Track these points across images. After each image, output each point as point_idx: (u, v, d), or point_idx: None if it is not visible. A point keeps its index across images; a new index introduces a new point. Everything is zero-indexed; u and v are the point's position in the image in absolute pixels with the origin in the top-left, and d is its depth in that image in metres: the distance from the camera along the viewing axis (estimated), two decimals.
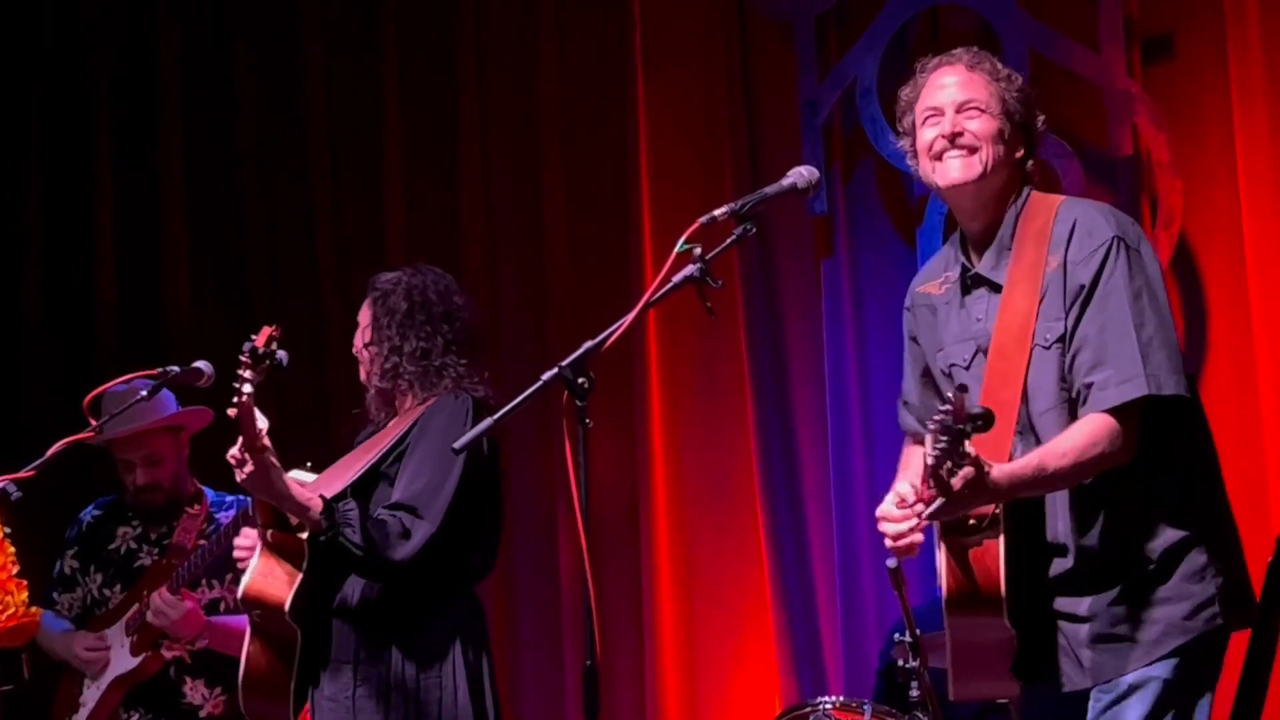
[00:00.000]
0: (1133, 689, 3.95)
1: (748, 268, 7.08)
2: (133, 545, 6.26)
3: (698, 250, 4.01)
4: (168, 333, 8.10)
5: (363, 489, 5.10)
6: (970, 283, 4.17)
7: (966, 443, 3.64)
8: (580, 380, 3.97)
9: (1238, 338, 6.28)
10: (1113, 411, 3.89)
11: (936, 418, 3.64)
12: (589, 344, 4.02)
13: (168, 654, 6.08)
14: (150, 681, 6.09)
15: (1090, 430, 3.89)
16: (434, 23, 7.91)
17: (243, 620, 5.23)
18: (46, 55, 8.41)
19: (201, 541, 6.06)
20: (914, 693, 5.61)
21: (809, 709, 5.97)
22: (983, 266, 4.14)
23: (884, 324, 6.92)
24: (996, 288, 4.11)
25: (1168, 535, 3.97)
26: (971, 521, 3.93)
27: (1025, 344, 4.01)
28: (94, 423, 5.49)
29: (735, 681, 7.05)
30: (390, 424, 5.27)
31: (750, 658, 7.02)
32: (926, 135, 4.15)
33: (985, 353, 4.11)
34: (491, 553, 5.27)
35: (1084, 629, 4.00)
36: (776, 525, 6.99)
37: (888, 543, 4.06)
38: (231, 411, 4.76)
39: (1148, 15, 6.53)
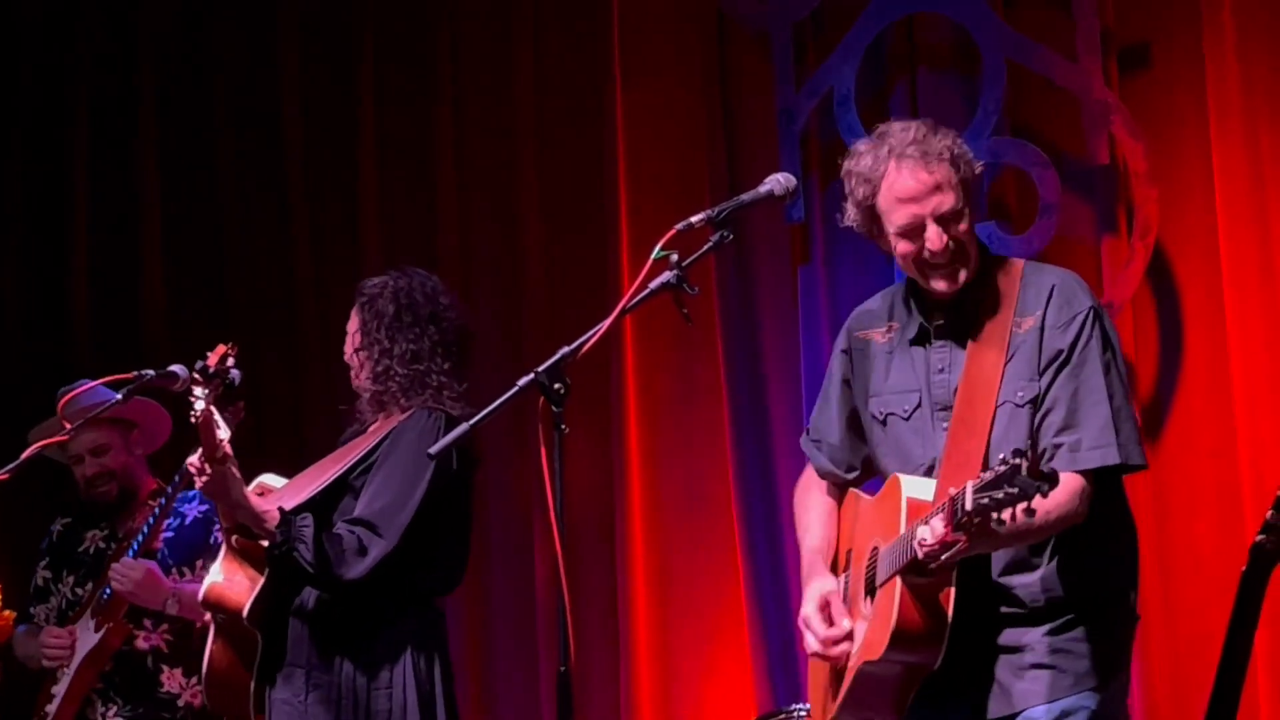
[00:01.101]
0: (1065, 714, 4.05)
1: (724, 274, 7.09)
2: (101, 545, 6.27)
3: (674, 256, 4.02)
4: (143, 339, 8.08)
5: (329, 499, 5.12)
6: (933, 335, 4.21)
7: (1034, 499, 3.66)
8: (556, 386, 3.98)
9: (1213, 347, 6.29)
10: (1086, 473, 4.01)
11: (1002, 469, 3.66)
12: (565, 350, 4.03)
13: (144, 644, 6.09)
14: (128, 672, 6.09)
15: (1070, 494, 3.98)
16: (410, 31, 7.91)
17: None
18: (24, 62, 8.39)
19: (151, 512, 6.07)
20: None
21: (783, 716, 6.00)
22: (947, 323, 4.19)
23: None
24: (962, 344, 4.16)
25: (1106, 581, 4.13)
26: (932, 565, 3.96)
27: (991, 399, 4.08)
28: (68, 426, 5.50)
29: (710, 688, 7.05)
30: (367, 432, 5.28)
31: (725, 664, 7.02)
32: (905, 245, 4.17)
33: (935, 406, 4.18)
34: (458, 569, 5.30)
35: (1018, 658, 4.10)
36: (752, 532, 6.99)
37: (809, 650, 4.20)
38: (193, 419, 4.80)
39: (1125, 25, 6.54)
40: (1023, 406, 4.06)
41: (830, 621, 4.20)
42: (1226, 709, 3.91)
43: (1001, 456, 3.67)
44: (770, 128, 7.04)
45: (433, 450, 4.16)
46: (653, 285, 4.05)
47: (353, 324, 5.37)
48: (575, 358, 4.03)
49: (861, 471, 4.44)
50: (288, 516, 4.95)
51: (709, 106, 7.23)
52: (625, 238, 7.27)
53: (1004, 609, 4.12)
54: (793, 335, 7.01)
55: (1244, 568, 3.89)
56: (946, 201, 4.13)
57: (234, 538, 5.07)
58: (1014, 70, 6.56)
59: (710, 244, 4.12)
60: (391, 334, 5.28)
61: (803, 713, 5.93)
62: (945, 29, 6.77)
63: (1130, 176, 6.40)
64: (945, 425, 4.14)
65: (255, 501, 4.95)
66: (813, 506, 4.46)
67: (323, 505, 5.09)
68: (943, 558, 3.87)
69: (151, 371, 5.34)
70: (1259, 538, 3.84)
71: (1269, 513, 3.84)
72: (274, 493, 5.09)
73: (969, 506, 3.71)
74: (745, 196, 4.19)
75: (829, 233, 6.97)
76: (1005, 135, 6.59)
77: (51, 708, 6.12)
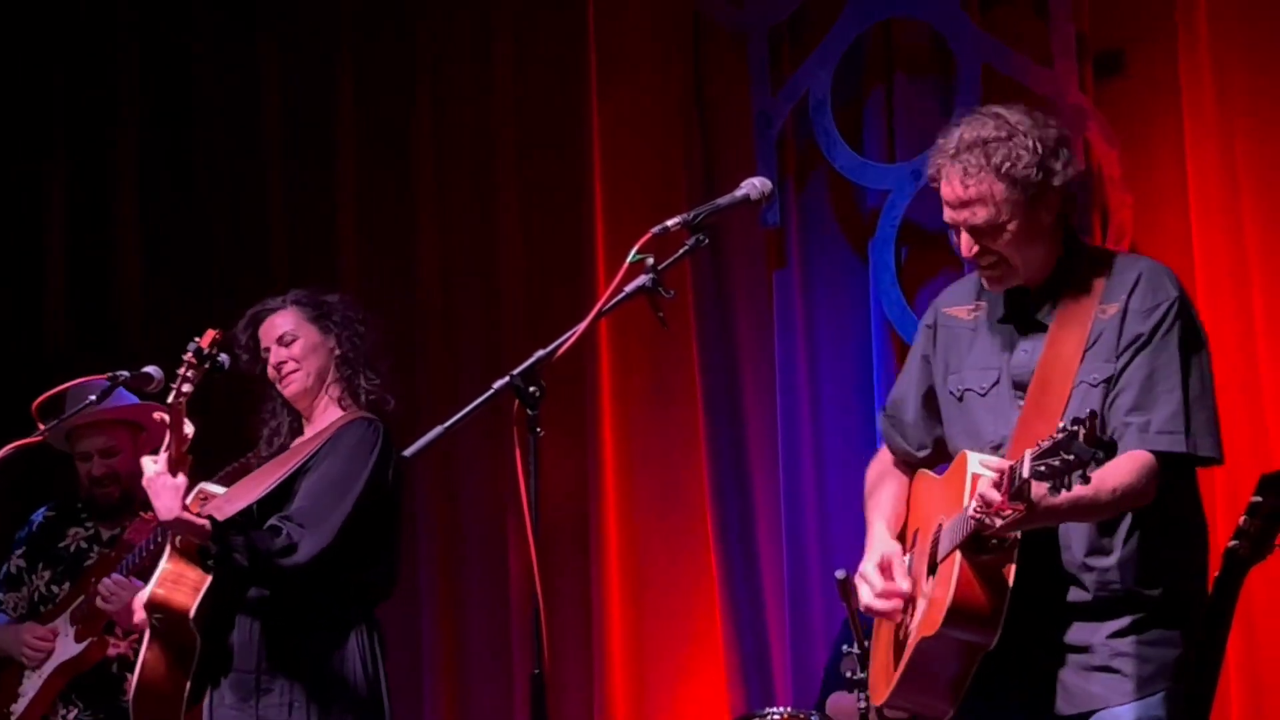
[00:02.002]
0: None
1: (700, 278, 7.09)
2: (83, 545, 6.26)
3: (650, 260, 4.02)
4: (119, 337, 8.07)
5: (271, 507, 5.14)
6: (1017, 317, 4.18)
7: (1089, 468, 3.63)
8: (532, 389, 3.98)
9: None
10: (1155, 453, 3.96)
11: (1059, 435, 3.63)
12: (541, 353, 4.03)
13: (112, 651, 6.08)
14: (92, 677, 6.08)
15: (1136, 469, 3.94)
16: (390, 34, 7.91)
17: None
18: None
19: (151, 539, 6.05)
20: (861, 704, 5.63)
21: (758, 719, 6.00)
22: (1032, 306, 4.16)
23: (835, 335, 6.94)
24: (1044, 327, 4.13)
25: (1175, 581, 4.05)
26: (994, 541, 3.95)
27: (1069, 381, 4.04)
28: (42, 426, 5.49)
29: (684, 692, 7.05)
30: (297, 443, 5.30)
31: (699, 668, 7.03)
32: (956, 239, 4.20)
33: (1013, 384, 4.15)
34: (391, 577, 5.31)
35: (1082, 658, 4.05)
36: (726, 536, 6.99)
37: (862, 605, 4.16)
38: (159, 415, 4.80)
39: (1100, 31, 6.55)
40: (1096, 386, 4.02)
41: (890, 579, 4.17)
42: (1199, 713, 3.92)
43: (1061, 425, 3.65)
44: (746, 131, 7.04)
45: (408, 452, 4.16)
46: (628, 289, 4.05)
47: (283, 326, 5.36)
48: (551, 361, 4.03)
49: (933, 451, 4.37)
50: (221, 527, 4.97)
51: (685, 110, 7.24)
52: (601, 241, 7.28)
53: (1071, 598, 4.06)
54: (768, 339, 7.01)
55: (1217, 573, 3.91)
56: (977, 216, 4.08)
57: (178, 539, 5.04)
58: (989, 75, 6.58)
59: (686, 248, 4.12)
60: (327, 337, 5.32)
61: (776, 717, 5.93)
62: (921, 34, 6.78)
63: (1105, 182, 6.42)
64: (1020, 405, 4.11)
65: (189, 510, 4.96)
66: (883, 484, 4.40)
67: (265, 513, 5.12)
68: (998, 526, 3.84)
69: (126, 372, 5.34)
70: (1232, 543, 3.85)
71: (1242, 518, 3.85)
72: (213, 500, 5.10)
73: (1025, 473, 3.68)
74: (721, 200, 4.19)
75: (804, 237, 6.98)
76: None
77: (18, 708, 6.10)
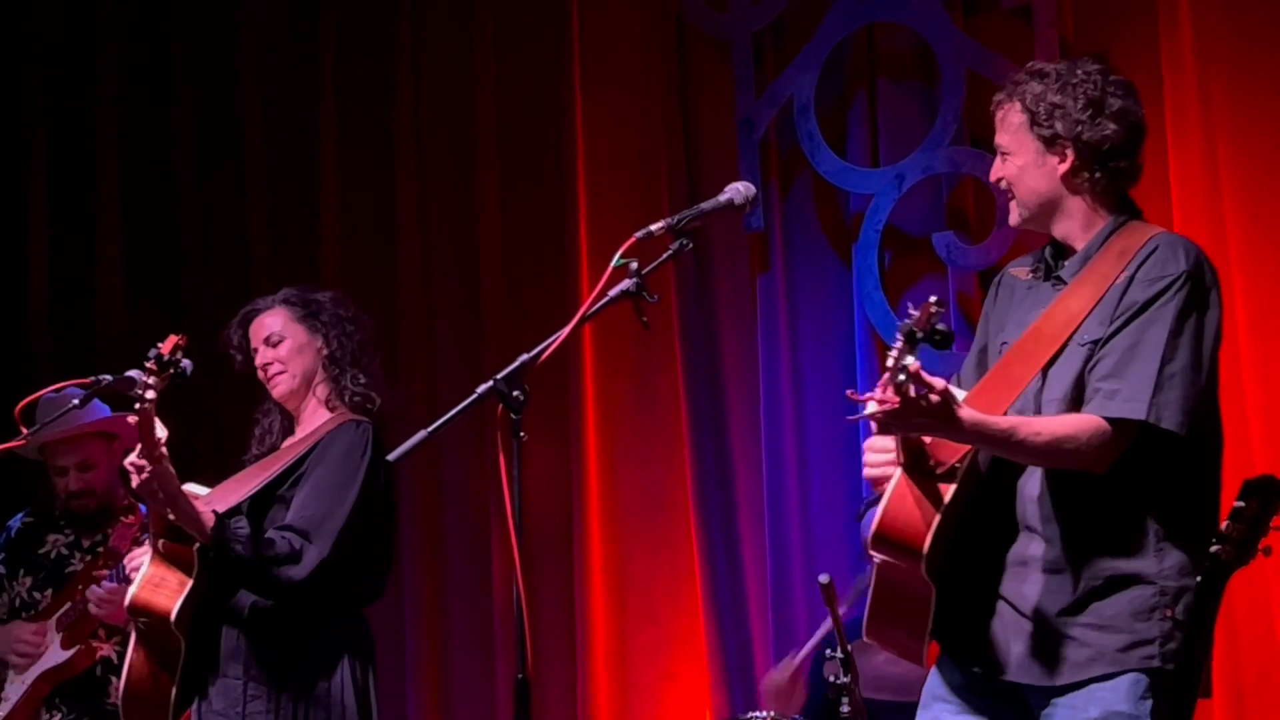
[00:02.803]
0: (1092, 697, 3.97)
1: (684, 283, 7.09)
2: (64, 551, 6.24)
3: (634, 265, 4.03)
4: (100, 342, 8.05)
5: (257, 509, 5.13)
6: (1056, 275, 4.20)
7: (911, 355, 3.65)
8: (515, 393, 3.99)
9: None
10: (1110, 420, 3.93)
11: (906, 320, 3.66)
12: (524, 357, 4.03)
13: (97, 654, 6.07)
14: (75, 680, 6.07)
15: (1076, 424, 3.94)
16: (372, 37, 7.90)
17: None
18: None
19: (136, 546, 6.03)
20: (845, 709, 5.62)
21: None
22: (1065, 270, 4.18)
23: (819, 340, 6.94)
24: (1062, 284, 4.15)
25: (1126, 565, 4.00)
26: (931, 463, 3.95)
27: (1063, 337, 4.04)
28: (25, 431, 5.47)
29: (667, 695, 7.05)
30: (287, 443, 5.29)
31: (682, 672, 7.03)
32: None
33: None
34: (382, 579, 5.32)
35: (1023, 625, 4.03)
36: (710, 540, 6.99)
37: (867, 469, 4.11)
38: (131, 418, 4.78)
39: (1083, 35, 6.56)
40: (1084, 346, 4.03)
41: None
42: (1182, 717, 3.93)
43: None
44: (730, 136, 7.05)
45: (391, 457, 4.16)
46: (612, 293, 4.06)
47: (271, 326, 5.36)
48: (534, 365, 4.03)
49: None
50: (222, 519, 4.95)
51: (668, 114, 7.24)
52: (584, 245, 7.28)
53: (1014, 556, 4.06)
54: (751, 343, 7.01)
55: (1199, 578, 3.91)
56: (1001, 139, 4.24)
57: (160, 541, 5.02)
58: (973, 80, 6.58)
59: (670, 252, 4.13)
60: (314, 335, 5.32)
61: (759, 719, 5.93)
62: (905, 38, 6.79)
63: None
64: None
65: (192, 503, 4.93)
66: None
67: (252, 515, 5.10)
68: (880, 418, 3.79)
69: (109, 376, 5.32)
70: (1214, 547, 3.85)
71: (1224, 523, 3.86)
72: (198, 499, 5.08)
73: (890, 363, 3.69)
74: (705, 205, 4.20)
75: (788, 241, 6.99)
76: (964, 145, 6.60)
77: (0, 712, 6.08)
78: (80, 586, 6.05)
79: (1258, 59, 6.22)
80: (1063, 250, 4.22)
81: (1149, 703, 3.95)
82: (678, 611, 7.05)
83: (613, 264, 4.02)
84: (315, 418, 5.32)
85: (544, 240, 7.46)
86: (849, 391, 3.90)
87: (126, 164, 8.23)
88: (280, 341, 5.34)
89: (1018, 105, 4.20)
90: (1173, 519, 4.02)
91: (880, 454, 4.07)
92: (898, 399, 3.72)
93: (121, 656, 6.06)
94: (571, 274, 7.27)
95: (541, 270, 7.45)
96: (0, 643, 6.15)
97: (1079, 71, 4.18)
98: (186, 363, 4.89)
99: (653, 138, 7.26)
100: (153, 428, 4.81)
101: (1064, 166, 4.14)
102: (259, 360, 5.33)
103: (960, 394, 3.97)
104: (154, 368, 4.80)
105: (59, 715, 6.09)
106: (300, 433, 5.33)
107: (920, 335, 3.65)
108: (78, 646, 6.05)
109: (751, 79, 7.03)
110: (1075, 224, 4.18)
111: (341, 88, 7.93)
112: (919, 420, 3.79)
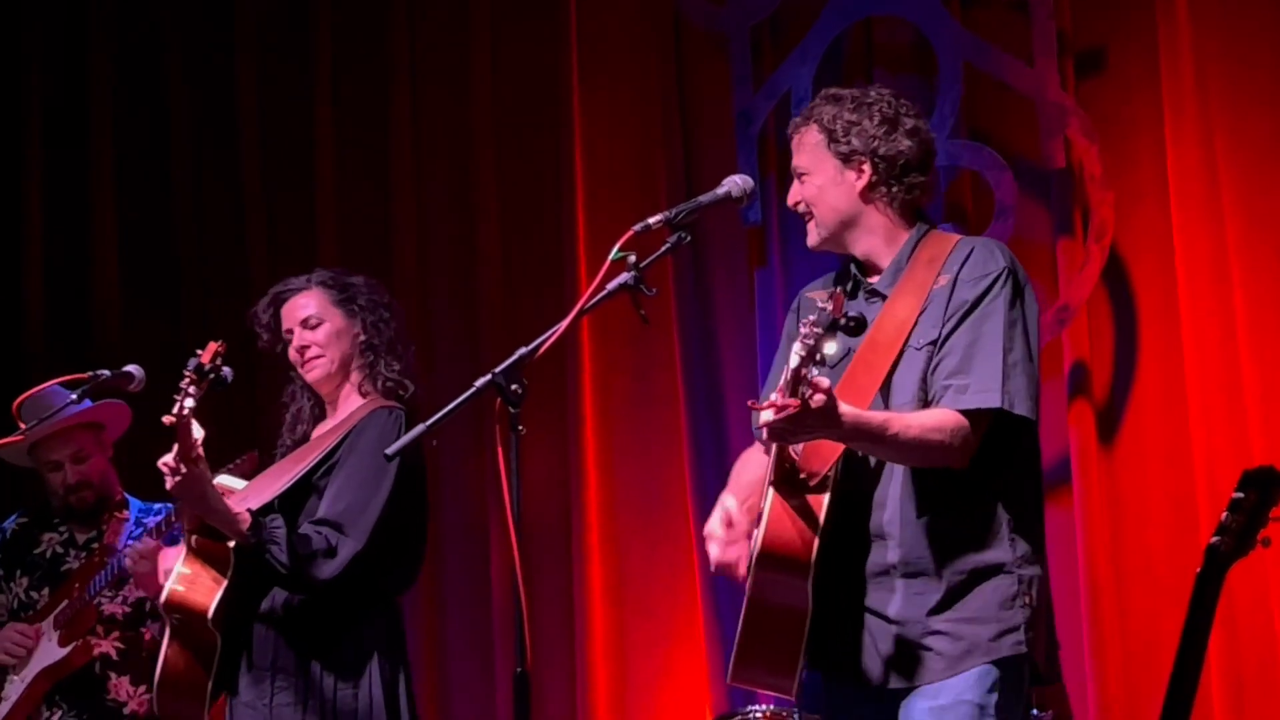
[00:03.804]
0: (944, 710, 3.99)
1: (681, 277, 7.09)
2: (59, 550, 6.23)
3: (632, 258, 4.02)
4: (97, 340, 8.04)
5: (292, 500, 5.09)
6: (866, 291, 4.23)
7: (834, 344, 3.70)
8: (514, 387, 3.98)
9: (1168, 349, 6.31)
10: (965, 413, 3.98)
11: (811, 317, 3.69)
12: (522, 351, 4.03)
13: (95, 650, 6.07)
14: (75, 677, 6.07)
15: (939, 417, 3.99)
16: (368, 31, 7.89)
17: None
18: None
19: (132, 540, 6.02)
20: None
21: (739, 717, 6.00)
22: (878, 283, 4.22)
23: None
24: (884, 298, 4.19)
25: (986, 557, 4.05)
26: (803, 476, 3.97)
27: (898, 344, 4.10)
28: (23, 426, 5.47)
29: (666, 690, 7.05)
30: (319, 431, 5.26)
31: (681, 666, 7.03)
32: None
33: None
34: (415, 568, 5.27)
35: (891, 630, 4.05)
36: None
37: (712, 562, 4.13)
38: (168, 420, 4.74)
39: (1081, 29, 6.56)
40: (920, 349, 4.07)
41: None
42: (1181, 710, 3.93)
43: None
44: (727, 129, 7.05)
45: (389, 451, 4.16)
46: (610, 286, 4.06)
47: (309, 307, 5.29)
48: (533, 359, 4.03)
49: None
50: (259, 518, 4.93)
51: (666, 108, 7.23)
52: (582, 239, 7.27)
53: (886, 560, 4.07)
54: (749, 337, 7.01)
55: (1199, 569, 3.91)
56: (799, 160, 4.27)
57: (194, 538, 5.00)
58: (970, 73, 6.58)
59: (668, 245, 4.12)
60: (351, 320, 5.27)
61: (758, 714, 5.93)
62: (903, 32, 6.78)
63: (1086, 179, 6.43)
64: None
65: (228, 504, 4.91)
66: (744, 469, 4.41)
67: (287, 506, 5.06)
68: (776, 422, 3.78)
69: (107, 371, 5.32)
70: (1213, 539, 3.87)
71: (1223, 514, 3.86)
72: (235, 495, 5.06)
73: (793, 362, 3.71)
74: (703, 198, 4.20)
75: (786, 235, 6.98)
76: (962, 138, 6.60)
77: (1, 710, 6.08)
78: (77, 585, 6.04)
79: (1255, 52, 6.23)
80: (866, 268, 4.27)
81: (995, 695, 3.99)
82: (676, 606, 7.05)
83: (610, 257, 4.02)
84: (348, 404, 5.24)
85: (541, 234, 7.46)
86: (750, 402, 3.94)
87: (122, 162, 8.22)
88: (319, 325, 5.24)
89: (814, 126, 4.25)
90: (1018, 507, 4.09)
91: (723, 550, 4.11)
92: (798, 403, 3.73)
93: (121, 654, 6.07)
94: (569, 267, 7.26)
95: (539, 264, 7.44)
96: None
97: (872, 93, 4.27)
98: (227, 370, 4.84)
99: (650, 131, 7.26)
100: (190, 431, 4.77)
101: (861, 182, 4.20)
102: (296, 342, 5.22)
103: None
104: (194, 377, 4.76)
105: (59, 713, 6.09)
106: (333, 419, 5.26)
107: (842, 324, 3.72)
108: (75, 643, 6.05)
109: (749, 72, 7.03)
110: (877, 239, 4.24)
111: (338, 83, 7.92)
112: (810, 423, 3.81)
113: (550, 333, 4.04)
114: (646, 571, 7.11)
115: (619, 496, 7.19)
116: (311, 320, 5.25)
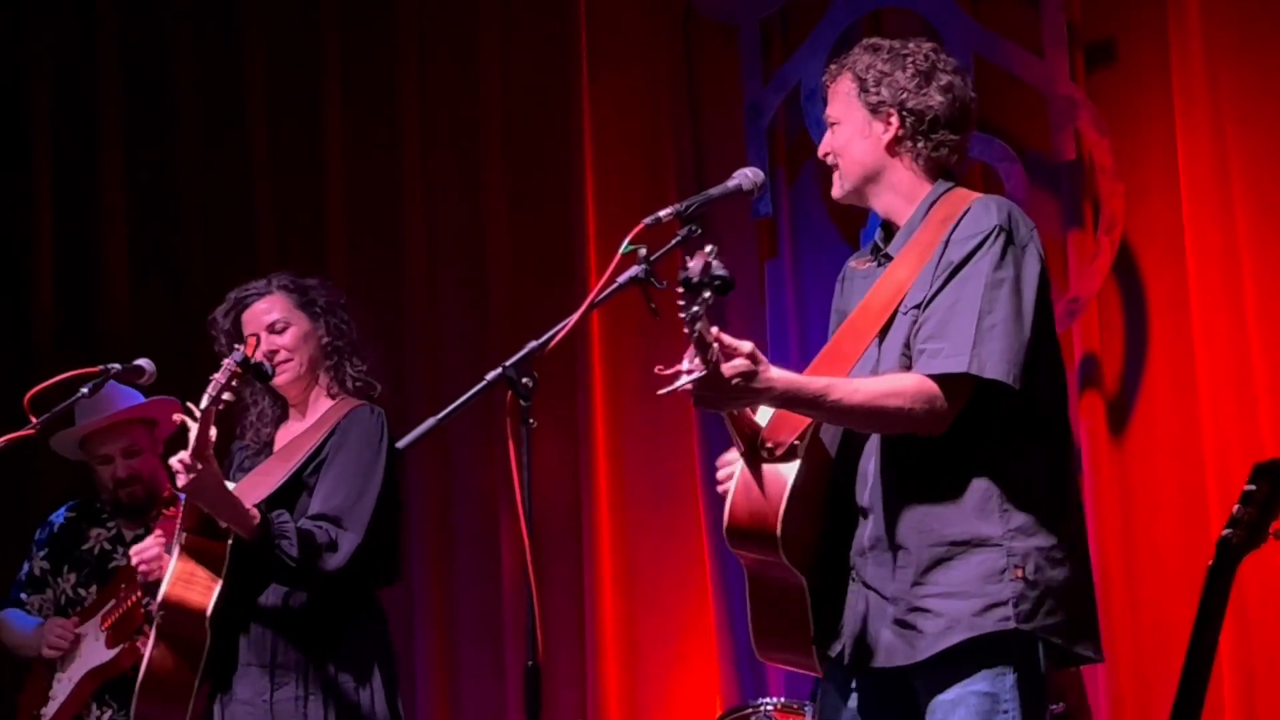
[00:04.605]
0: (953, 705, 3.92)
1: None
2: (106, 546, 6.24)
3: (642, 251, 4.01)
4: (106, 335, 8.04)
5: (282, 499, 5.10)
6: (883, 254, 4.18)
7: (696, 305, 3.64)
8: (524, 380, 3.98)
9: (1178, 341, 6.31)
10: (936, 379, 3.88)
11: (681, 271, 3.63)
12: (533, 344, 4.03)
13: (142, 648, 6.08)
14: (122, 677, 6.06)
15: (898, 382, 3.90)
16: (376, 21, 7.89)
17: None
18: None
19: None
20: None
21: (750, 710, 6.00)
22: (891, 246, 4.16)
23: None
24: (891, 259, 4.13)
25: (970, 530, 3.93)
26: (769, 445, 3.94)
27: (891, 306, 4.02)
28: (34, 420, 5.47)
29: (677, 682, 7.05)
30: (297, 432, 5.28)
31: (692, 659, 7.03)
32: None
33: None
34: (397, 563, 5.29)
35: (888, 608, 3.98)
36: (719, 527, 6.97)
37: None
38: (203, 405, 4.75)
39: (1091, 21, 6.56)
40: (908, 314, 4.00)
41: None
42: (1193, 704, 3.93)
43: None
44: (737, 122, 7.04)
45: (401, 444, 4.16)
46: (620, 280, 4.05)
47: (275, 312, 5.29)
48: (543, 352, 4.03)
49: None
50: (266, 514, 4.94)
51: (676, 100, 7.23)
52: (592, 232, 7.27)
53: (862, 540, 4.03)
54: (760, 330, 7.01)
55: (1210, 562, 3.91)
56: (830, 109, 4.20)
57: (185, 536, 4.98)
58: (980, 65, 6.57)
59: (678, 238, 4.11)
60: (318, 322, 5.30)
61: (769, 707, 5.93)
62: (912, 24, 6.77)
63: (1096, 172, 6.42)
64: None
65: (239, 500, 4.92)
66: None
67: (277, 505, 5.07)
68: (692, 389, 3.79)
69: (118, 365, 5.31)
70: (1225, 531, 3.86)
71: (1235, 507, 3.86)
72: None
73: (685, 329, 3.67)
74: (713, 191, 4.19)
75: (796, 227, 6.98)
76: (972, 130, 6.59)
77: (48, 711, 6.09)
78: (123, 584, 6.04)
79: (1266, 43, 6.22)
80: (890, 231, 4.20)
81: (1009, 677, 3.88)
82: (687, 598, 7.05)
83: (621, 250, 4.01)
84: (318, 406, 5.27)
85: (551, 227, 7.45)
86: (658, 367, 3.85)
87: (131, 157, 8.22)
88: (286, 329, 5.25)
89: (848, 75, 4.18)
90: (1014, 480, 3.95)
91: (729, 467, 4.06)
92: (702, 368, 3.71)
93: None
94: (579, 261, 7.26)
95: (549, 257, 7.44)
96: (34, 638, 6.15)
97: (910, 45, 4.18)
98: (268, 364, 4.95)
99: (660, 124, 7.26)
100: (210, 426, 4.79)
101: (888, 134, 4.12)
102: (265, 347, 5.21)
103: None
104: (238, 370, 4.79)
105: (110, 711, 6.10)
106: (302, 423, 5.28)
107: (697, 281, 3.61)
108: (122, 645, 6.04)
109: (759, 65, 7.03)
110: (898, 196, 4.15)
111: (346, 74, 7.91)
112: (731, 387, 3.77)
113: (561, 326, 4.04)
114: (657, 564, 7.12)
115: (630, 489, 7.19)
116: (278, 324, 5.26)
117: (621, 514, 7.17)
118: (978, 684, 3.90)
